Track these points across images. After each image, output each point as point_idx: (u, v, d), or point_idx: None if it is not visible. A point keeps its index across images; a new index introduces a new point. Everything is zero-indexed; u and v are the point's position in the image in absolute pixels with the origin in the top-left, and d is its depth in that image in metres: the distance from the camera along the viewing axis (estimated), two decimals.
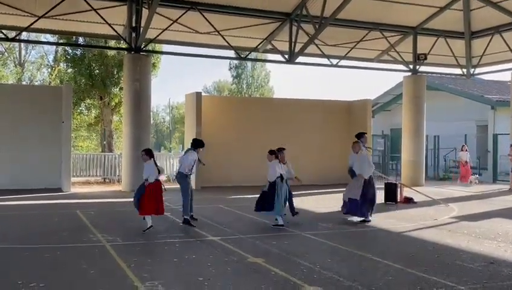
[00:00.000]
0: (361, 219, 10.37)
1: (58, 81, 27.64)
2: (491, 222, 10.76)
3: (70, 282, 5.93)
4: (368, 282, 5.99)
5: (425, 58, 19.16)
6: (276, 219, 9.84)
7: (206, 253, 7.51)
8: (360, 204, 10.27)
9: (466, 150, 19.89)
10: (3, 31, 15.37)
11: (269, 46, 18.54)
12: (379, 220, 10.31)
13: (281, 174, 9.94)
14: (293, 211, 10.49)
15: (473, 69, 20.85)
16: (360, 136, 11.11)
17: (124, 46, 17.76)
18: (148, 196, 9.12)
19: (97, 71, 22.32)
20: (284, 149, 10.55)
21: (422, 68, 20.35)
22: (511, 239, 8.74)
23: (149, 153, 9.51)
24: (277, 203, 9.79)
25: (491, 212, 12.21)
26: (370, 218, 10.43)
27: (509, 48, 18.21)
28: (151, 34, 15.75)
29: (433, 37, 19.16)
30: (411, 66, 19.96)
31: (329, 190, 15.87)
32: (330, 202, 12.99)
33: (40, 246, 7.92)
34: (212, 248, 7.86)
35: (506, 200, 15.02)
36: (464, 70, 20.86)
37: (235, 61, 49.68)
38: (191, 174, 10.17)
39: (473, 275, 6.39)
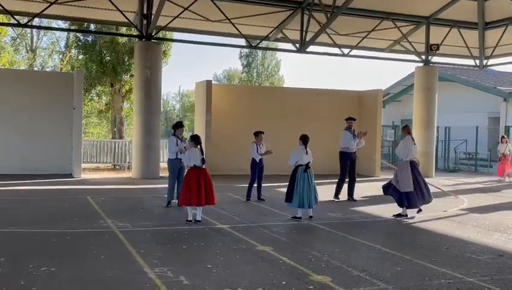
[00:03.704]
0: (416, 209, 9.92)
1: (70, 68, 27.77)
2: (501, 214, 10.70)
3: (80, 267, 6.00)
4: (376, 272, 6.00)
5: (438, 49, 18.98)
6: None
7: (215, 241, 7.56)
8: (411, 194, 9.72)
9: (506, 142, 18.28)
10: (15, 16, 15.43)
11: (280, 35, 18.46)
12: (388, 210, 10.29)
13: (305, 164, 9.34)
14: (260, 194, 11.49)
15: (485, 60, 20.64)
16: (348, 119, 12.11)
17: (135, 34, 17.77)
18: (185, 185, 8.82)
19: (108, 58, 22.38)
20: (262, 133, 11.60)
21: (435, 59, 20.16)
22: None
23: (194, 140, 9.05)
24: (295, 194, 9.31)
25: (501, 205, 12.14)
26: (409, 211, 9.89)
27: None
28: (162, 21, 15.74)
29: (446, 27, 18.95)
30: (423, 57, 19.79)
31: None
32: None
33: (51, 231, 8.01)
34: (221, 236, 7.90)
35: None
36: (477, 61, 20.65)
37: (246, 50, 49.61)
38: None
39: (482, 267, 6.38)
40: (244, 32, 17.26)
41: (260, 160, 11.63)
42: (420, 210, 9.93)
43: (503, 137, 18.57)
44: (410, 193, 9.65)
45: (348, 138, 11.97)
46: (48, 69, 32.14)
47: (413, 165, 9.84)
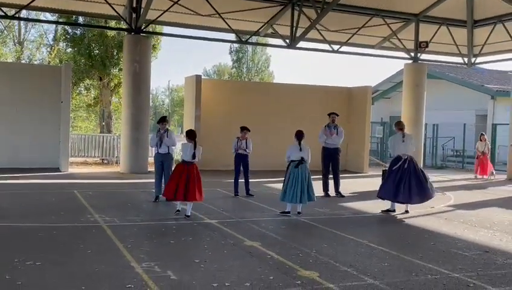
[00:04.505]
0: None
1: (58, 61, 27.49)
2: (487, 211, 10.81)
3: (66, 261, 5.96)
4: (363, 268, 6.02)
5: (427, 46, 19.07)
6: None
7: (202, 236, 7.54)
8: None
9: (485, 140, 18.15)
10: (2, 8, 15.22)
11: (270, 30, 18.42)
12: (376, 207, 10.34)
13: (298, 160, 9.37)
14: (248, 189, 11.55)
15: (474, 58, 20.78)
16: (331, 114, 12.29)
17: (124, 27, 17.64)
18: (172, 178, 8.87)
19: (97, 51, 22.20)
20: (247, 129, 11.56)
21: (423, 56, 20.27)
22: (506, 228, 8.79)
23: (189, 136, 9.04)
24: (286, 189, 9.32)
25: (488, 202, 12.27)
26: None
27: (511, 37, 18.11)
28: (151, 15, 15.63)
29: (435, 25, 19.04)
30: (412, 54, 19.88)
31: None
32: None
33: (37, 225, 7.94)
34: (209, 231, 7.88)
35: (503, 189, 15.07)
36: (465, 59, 20.78)
37: (236, 45, 49.42)
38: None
39: (468, 263, 6.43)
40: (234, 27, 17.20)
41: (245, 156, 11.62)
42: (406, 211, 9.94)
43: (482, 135, 18.43)
44: (386, 184, 9.80)
45: (321, 134, 12.21)
46: (35, 62, 31.78)
47: (403, 161, 9.81)
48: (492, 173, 17.92)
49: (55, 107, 16.22)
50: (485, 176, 17.82)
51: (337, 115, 12.45)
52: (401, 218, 9.57)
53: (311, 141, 16.11)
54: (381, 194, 9.99)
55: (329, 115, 12.38)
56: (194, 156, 8.81)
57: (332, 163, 12.22)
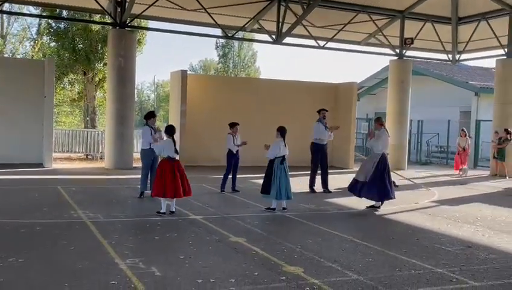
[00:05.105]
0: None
1: (41, 55, 27.15)
2: (471, 206, 10.93)
3: (49, 258, 5.89)
4: (347, 263, 6.05)
5: (412, 43, 19.19)
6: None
7: (188, 232, 7.51)
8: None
9: (465, 136, 18.20)
10: None
11: (256, 26, 18.37)
12: (360, 202, 10.39)
13: (281, 156, 9.33)
14: (234, 185, 11.55)
15: (458, 55, 20.95)
16: (321, 110, 12.26)
17: (108, 21, 17.45)
18: (159, 176, 8.71)
19: (81, 46, 21.97)
20: (237, 124, 11.52)
21: (409, 53, 20.38)
22: (488, 224, 8.90)
23: (168, 131, 8.98)
24: (272, 185, 9.26)
25: (471, 197, 12.40)
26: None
27: (494, 34, 18.30)
28: (136, 9, 15.49)
29: (420, 21, 19.15)
30: (397, 50, 19.99)
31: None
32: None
33: (20, 221, 7.84)
34: (194, 227, 7.85)
35: (486, 185, 15.25)
36: (450, 56, 20.95)
37: (222, 40, 49.27)
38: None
39: (451, 258, 6.50)
40: (220, 23, 17.12)
41: (237, 151, 11.59)
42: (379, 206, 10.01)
43: (462, 131, 18.47)
44: (382, 185, 9.74)
45: (321, 129, 12.06)
46: (18, 56, 31.36)
47: (385, 158, 9.92)
48: (464, 169, 17.73)
49: (39, 102, 16.01)
50: (463, 174, 17.68)
51: (327, 111, 12.49)
52: (386, 214, 9.63)
53: (296, 136, 16.17)
54: (382, 197, 9.87)
55: (319, 111, 12.35)
56: (177, 151, 8.75)
57: (321, 159, 12.22)
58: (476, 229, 8.43)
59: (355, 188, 10.09)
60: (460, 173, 17.72)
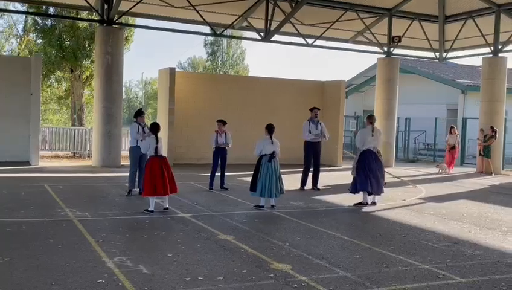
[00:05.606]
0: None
1: (27, 52, 26.88)
2: (457, 203, 11.03)
3: (36, 256, 5.84)
4: (335, 260, 6.08)
5: (400, 41, 19.26)
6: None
7: (176, 230, 7.50)
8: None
9: (455, 133, 18.18)
10: None
11: (245, 23, 18.34)
12: (348, 200, 10.44)
13: (270, 153, 9.34)
14: (223, 183, 11.54)
15: (445, 53, 21.11)
16: (313, 109, 12.22)
17: (96, 18, 17.33)
18: (148, 175, 8.62)
19: (68, 43, 21.77)
20: (223, 122, 11.45)
21: (396, 51, 20.49)
22: (475, 220, 8.99)
23: (151, 128, 8.97)
24: (259, 183, 9.31)
25: (458, 194, 12.52)
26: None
27: (481, 33, 18.45)
28: (124, 6, 15.39)
29: (407, 20, 19.25)
30: (385, 49, 20.09)
31: (302, 169, 15.96)
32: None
33: (6, 219, 7.76)
34: (182, 225, 7.84)
35: (473, 182, 15.40)
36: (437, 54, 21.10)
37: (210, 38, 49.13)
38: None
39: (437, 254, 6.55)
40: (208, 20, 17.07)
41: (223, 149, 11.57)
42: (374, 203, 10.10)
43: (452, 128, 18.50)
44: (359, 177, 9.92)
45: (306, 129, 12.06)
46: (4, 53, 31.00)
47: (371, 154, 10.01)
48: (444, 167, 17.73)
49: (25, 100, 15.86)
50: (441, 170, 17.66)
51: (319, 109, 12.50)
52: (373, 211, 9.69)
53: (286, 134, 16.19)
54: (355, 188, 10.09)
55: (311, 110, 12.30)
56: (156, 150, 8.66)
57: (314, 157, 12.23)
58: (462, 225, 8.51)
59: (354, 188, 10.23)
60: (441, 171, 17.68)
